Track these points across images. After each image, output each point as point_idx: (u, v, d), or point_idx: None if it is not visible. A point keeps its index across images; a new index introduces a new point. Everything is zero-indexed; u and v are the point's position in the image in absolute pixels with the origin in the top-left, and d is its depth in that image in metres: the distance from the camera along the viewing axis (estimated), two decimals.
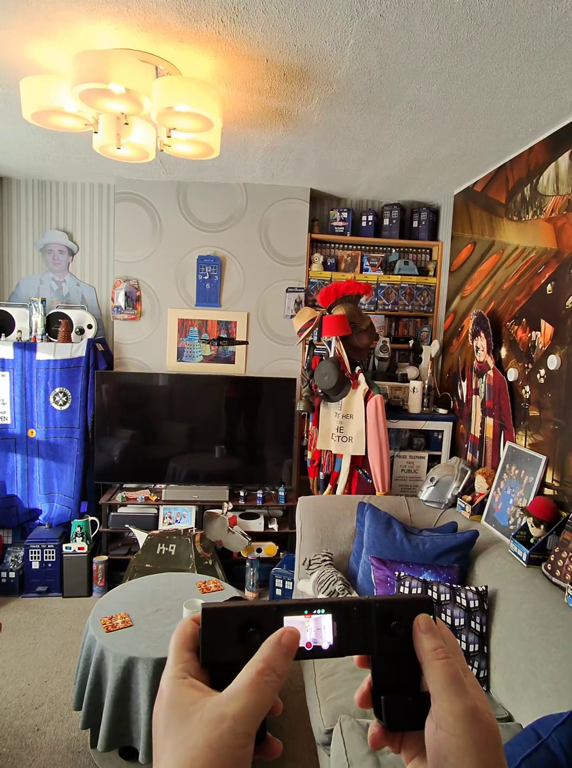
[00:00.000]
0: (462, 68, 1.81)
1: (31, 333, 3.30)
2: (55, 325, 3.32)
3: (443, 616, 1.93)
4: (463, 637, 1.88)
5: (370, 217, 3.55)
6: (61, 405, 3.25)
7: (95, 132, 1.91)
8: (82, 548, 3.15)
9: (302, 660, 0.36)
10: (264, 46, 1.73)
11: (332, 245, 3.60)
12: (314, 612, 0.36)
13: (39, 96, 1.77)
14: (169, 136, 1.93)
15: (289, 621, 0.35)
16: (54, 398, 3.24)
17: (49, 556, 3.14)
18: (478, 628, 1.90)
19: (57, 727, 2.16)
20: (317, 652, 0.35)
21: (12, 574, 3.13)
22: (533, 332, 2.38)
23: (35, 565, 3.14)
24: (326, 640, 0.35)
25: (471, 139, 2.44)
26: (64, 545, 3.14)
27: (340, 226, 3.56)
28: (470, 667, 1.83)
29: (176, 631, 0.36)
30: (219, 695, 0.32)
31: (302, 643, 0.35)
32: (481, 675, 1.85)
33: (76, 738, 2.10)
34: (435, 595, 1.97)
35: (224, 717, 0.31)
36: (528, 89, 1.93)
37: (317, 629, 0.35)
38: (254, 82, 1.98)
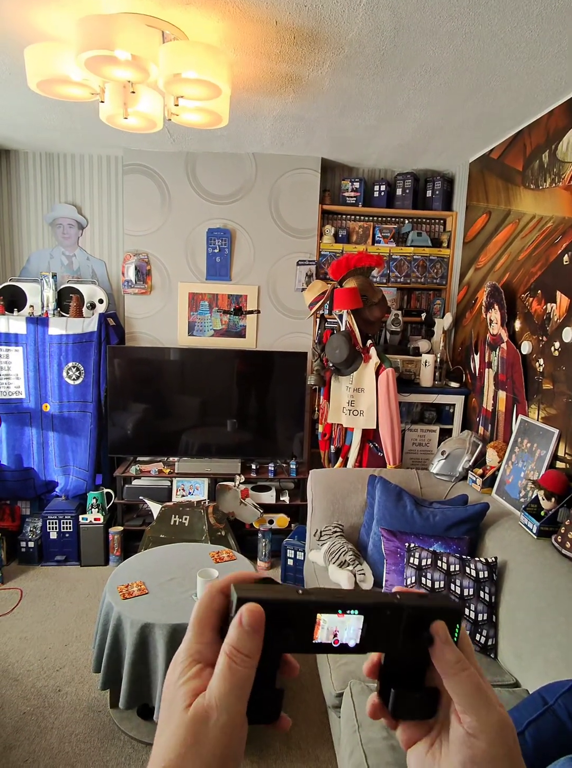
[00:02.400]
0: (480, 27, 1.73)
1: (43, 308, 3.31)
2: (67, 300, 3.33)
3: (453, 585, 1.96)
4: (472, 607, 1.91)
5: (382, 187, 3.47)
6: (74, 379, 3.28)
7: (102, 101, 1.88)
8: (98, 519, 3.22)
9: (327, 654, 0.37)
10: (273, 7, 1.68)
11: (344, 216, 3.54)
12: (348, 612, 0.36)
13: (44, 64, 1.73)
14: (176, 105, 1.89)
15: (323, 618, 0.36)
16: (67, 373, 3.27)
17: (67, 527, 3.22)
18: (487, 597, 1.92)
19: (78, 688, 2.25)
20: (342, 649, 0.36)
21: (31, 544, 3.22)
22: (548, 304, 2.34)
23: (53, 535, 3.22)
24: (354, 639, 0.36)
25: (487, 103, 2.36)
26: (80, 516, 3.22)
27: (352, 197, 3.49)
28: (479, 634, 1.87)
29: (201, 604, 0.36)
30: (204, 692, 0.33)
31: (330, 640, 0.36)
32: (489, 643, 1.89)
33: (96, 698, 2.18)
34: (444, 566, 2.00)
35: (208, 713, 0.32)
36: (549, 49, 1.85)
37: (347, 629, 0.36)
38: (263, 46, 1.92)
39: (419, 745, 0.38)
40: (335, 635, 0.36)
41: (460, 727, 0.35)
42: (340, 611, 0.36)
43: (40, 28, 1.85)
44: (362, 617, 0.36)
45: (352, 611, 0.36)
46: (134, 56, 1.62)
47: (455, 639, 0.37)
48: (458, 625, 0.37)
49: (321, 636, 0.36)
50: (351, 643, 0.36)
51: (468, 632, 1.89)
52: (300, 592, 0.36)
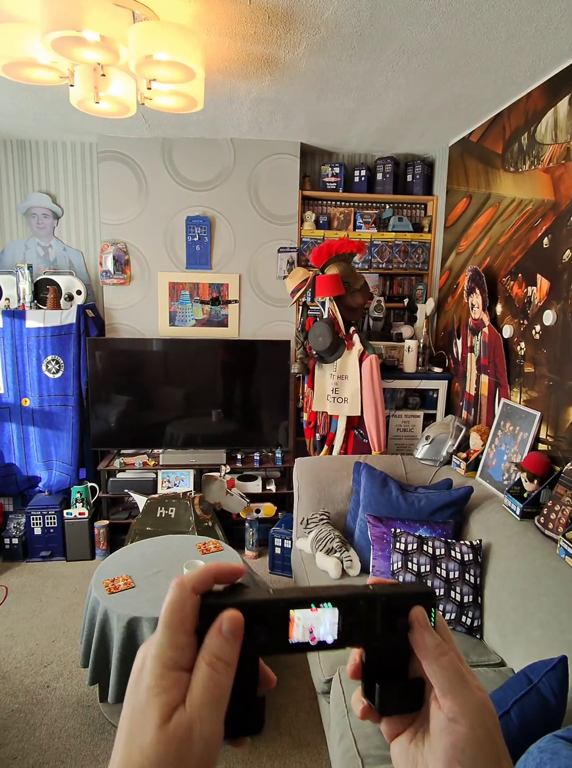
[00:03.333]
0: (457, 5, 1.70)
1: (19, 300, 3.24)
2: (44, 292, 3.25)
3: (438, 569, 1.98)
4: (458, 589, 1.93)
5: (363, 172, 3.44)
6: (54, 373, 3.22)
7: (72, 85, 1.82)
8: (83, 513, 3.19)
9: (306, 652, 0.35)
10: None
11: (325, 202, 3.50)
12: (321, 606, 0.35)
13: (9, 46, 1.66)
14: (149, 88, 1.84)
15: (296, 615, 0.34)
16: (46, 366, 3.21)
17: (51, 522, 3.19)
18: (472, 580, 1.95)
19: (66, 683, 2.23)
20: (321, 646, 0.35)
21: (15, 540, 3.18)
22: (529, 288, 2.35)
23: (37, 530, 3.18)
24: (331, 634, 0.35)
25: (466, 85, 2.34)
26: (64, 511, 3.18)
27: (332, 182, 3.45)
28: (464, 616, 1.89)
29: (172, 606, 0.33)
30: (183, 705, 0.31)
31: (307, 638, 0.35)
32: (475, 624, 1.91)
33: (85, 693, 2.17)
34: (430, 550, 2.02)
35: (192, 728, 0.31)
36: (526, 28, 1.83)
37: (322, 624, 0.35)
38: (237, 27, 1.87)
39: (402, 737, 0.38)
40: (312, 632, 0.35)
41: (440, 713, 0.35)
42: (313, 606, 0.35)
43: (5, 9, 1.77)
44: (336, 610, 0.35)
45: (325, 605, 0.35)
46: (103, 37, 1.57)
47: (432, 623, 0.37)
48: (433, 610, 0.37)
49: (297, 634, 0.34)
50: (329, 639, 0.35)
51: (454, 615, 1.91)
52: (271, 591, 0.35)
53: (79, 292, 3.36)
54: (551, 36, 1.88)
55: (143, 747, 0.30)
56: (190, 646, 0.33)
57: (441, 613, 1.90)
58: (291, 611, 0.34)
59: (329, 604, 0.35)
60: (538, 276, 2.28)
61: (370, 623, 0.36)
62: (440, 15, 1.76)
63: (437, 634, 0.36)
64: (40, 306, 3.24)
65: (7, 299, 3.24)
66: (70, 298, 3.33)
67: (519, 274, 2.43)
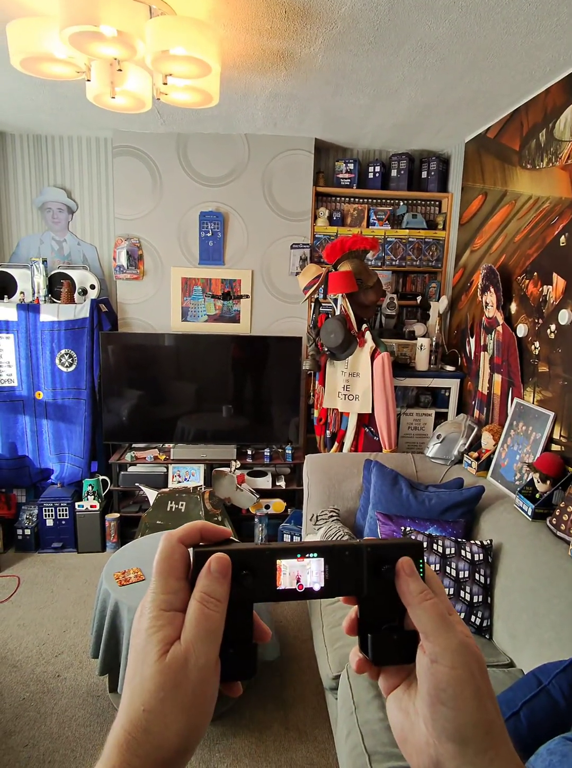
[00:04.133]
0: (477, 0, 1.68)
1: (33, 294, 3.27)
2: (58, 286, 3.28)
3: (448, 568, 1.97)
4: (468, 589, 1.93)
5: (377, 168, 3.42)
6: (67, 366, 3.25)
7: (88, 80, 1.82)
8: (95, 506, 3.22)
9: (294, 600, 0.37)
10: None
11: (338, 198, 3.49)
12: (307, 555, 0.37)
13: (27, 41, 1.67)
14: (165, 83, 1.84)
15: (283, 564, 0.36)
16: (60, 360, 3.24)
17: (63, 514, 3.22)
18: (482, 579, 1.94)
19: (77, 673, 2.26)
20: (308, 594, 0.37)
21: (27, 531, 3.22)
22: (544, 286, 2.32)
23: (50, 522, 3.22)
24: (318, 582, 0.37)
25: (484, 81, 2.31)
26: (76, 503, 3.22)
27: (346, 179, 3.43)
28: (474, 616, 1.88)
29: (162, 555, 0.36)
30: (179, 640, 0.34)
31: (294, 585, 0.36)
32: (484, 624, 1.90)
33: (95, 683, 2.20)
34: (440, 549, 2.01)
35: (187, 657, 0.33)
36: (547, 23, 1.80)
37: (309, 572, 0.37)
38: (253, 22, 1.87)
39: (398, 690, 0.39)
40: (299, 580, 0.36)
41: (425, 657, 0.36)
42: (299, 555, 0.36)
43: (23, 3, 1.78)
44: (322, 559, 0.37)
45: (311, 554, 0.37)
46: (120, 32, 1.57)
47: (421, 575, 0.38)
48: (421, 561, 0.38)
49: (284, 582, 0.36)
50: (316, 587, 0.37)
51: (464, 615, 1.90)
52: (260, 544, 0.37)
53: (92, 287, 3.38)
54: (570, 31, 1.85)
55: (144, 680, 0.33)
56: (182, 590, 0.35)
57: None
58: (278, 560, 0.36)
59: (316, 554, 0.37)
60: (554, 275, 2.25)
61: (356, 572, 0.37)
62: (459, 9, 1.74)
63: (422, 582, 0.37)
64: (55, 300, 3.27)
65: (22, 293, 3.27)
66: (84, 292, 3.35)
67: (535, 273, 2.40)
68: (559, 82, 2.23)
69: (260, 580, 0.36)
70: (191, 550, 0.37)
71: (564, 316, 2.15)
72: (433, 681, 0.35)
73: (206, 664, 0.33)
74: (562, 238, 2.20)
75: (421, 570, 0.38)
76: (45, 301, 3.23)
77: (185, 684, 0.33)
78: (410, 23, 1.84)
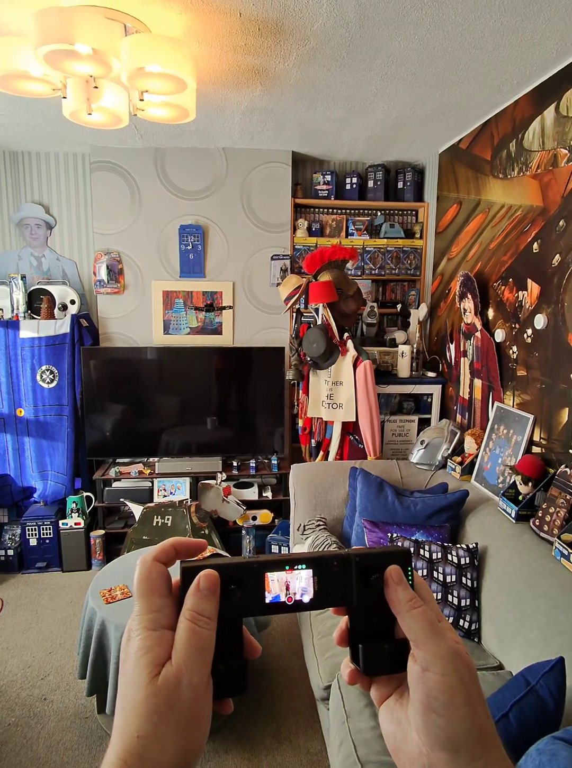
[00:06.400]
0: (444, 17, 1.73)
1: (13, 311, 3.24)
2: (38, 302, 3.26)
3: (435, 573, 1.98)
4: (455, 593, 1.94)
5: (354, 180, 3.47)
6: (48, 383, 3.21)
7: (64, 97, 1.83)
8: (79, 523, 3.18)
9: (284, 613, 0.37)
10: None
11: (317, 210, 3.53)
12: (296, 567, 0.36)
13: (2, 59, 1.68)
14: (141, 99, 1.85)
15: (271, 577, 0.36)
16: (41, 376, 3.21)
17: (47, 533, 3.17)
18: (469, 583, 1.95)
19: (64, 695, 2.22)
20: (298, 606, 0.36)
21: (10, 552, 3.16)
22: (520, 292, 2.37)
23: (33, 541, 3.16)
24: (308, 594, 0.37)
25: (454, 94, 2.37)
26: (60, 521, 3.17)
27: (324, 190, 3.48)
28: (462, 619, 1.89)
29: (140, 576, 0.36)
30: (169, 661, 0.33)
31: (284, 598, 0.36)
32: (473, 627, 1.91)
33: (83, 705, 2.16)
34: (427, 554, 2.02)
35: (179, 678, 0.32)
36: (512, 38, 1.87)
37: (299, 585, 0.36)
38: (227, 39, 1.90)
39: (390, 700, 0.39)
40: (288, 592, 0.36)
41: (415, 665, 0.35)
42: (288, 567, 0.36)
43: None
44: (310, 571, 0.37)
45: (299, 566, 0.36)
46: (95, 50, 1.59)
47: (409, 583, 0.38)
48: (410, 568, 0.38)
49: (273, 595, 0.36)
50: (306, 599, 0.36)
51: (452, 619, 1.91)
52: (248, 557, 0.37)
53: (73, 302, 3.36)
54: (536, 46, 1.92)
55: (136, 704, 0.32)
56: (166, 606, 0.35)
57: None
58: (267, 573, 0.36)
59: (304, 565, 0.37)
60: (529, 280, 2.30)
61: (346, 582, 0.37)
62: (427, 26, 1.79)
63: (410, 590, 0.37)
64: (34, 316, 3.24)
65: (0, 310, 3.24)
66: (64, 307, 3.33)
67: (510, 279, 2.46)
68: (526, 95, 2.31)
69: (248, 595, 0.36)
70: (179, 564, 0.36)
71: (539, 321, 2.20)
72: (424, 689, 0.34)
73: (199, 684, 0.33)
74: (535, 245, 2.26)
75: (410, 578, 0.38)
76: (25, 317, 3.20)
77: (179, 705, 0.32)
78: (381, 39, 1.89)
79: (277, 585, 0.36)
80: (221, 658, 0.35)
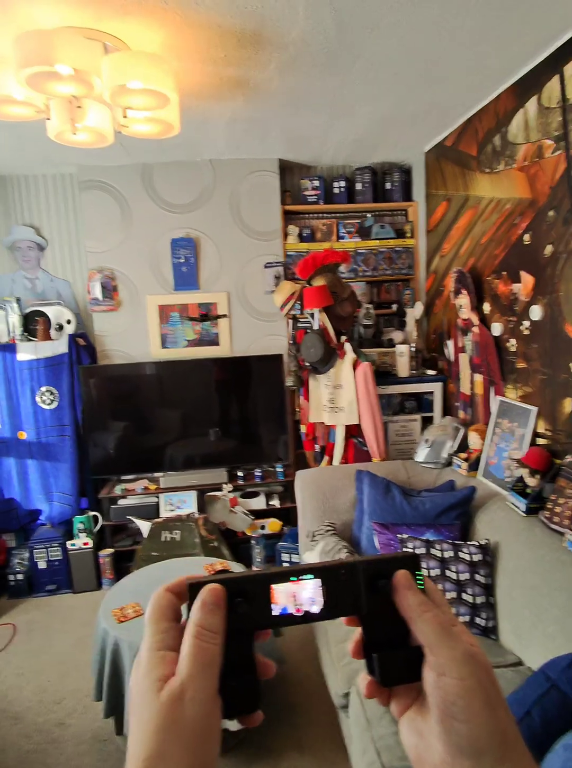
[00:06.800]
0: (421, 17, 1.74)
1: (9, 334, 3.24)
2: (33, 324, 3.26)
3: (447, 571, 1.96)
4: (469, 591, 1.92)
5: (342, 184, 3.48)
6: (48, 404, 3.21)
7: (48, 119, 1.84)
8: (87, 543, 3.16)
9: (294, 625, 0.36)
10: (214, 11, 1.66)
11: (306, 215, 3.54)
12: (302, 577, 0.36)
13: None
14: (125, 116, 1.86)
15: (278, 589, 0.35)
16: (41, 398, 3.20)
17: (55, 555, 3.15)
18: (483, 580, 1.94)
19: (80, 718, 2.19)
20: (308, 617, 0.36)
21: (20, 576, 3.14)
22: (514, 285, 2.37)
23: (42, 564, 3.15)
24: (317, 604, 0.36)
25: (436, 92, 2.38)
26: (68, 542, 3.15)
27: (312, 196, 3.49)
28: (477, 617, 1.87)
29: (151, 605, 0.36)
30: (173, 676, 0.33)
31: (292, 610, 0.35)
32: (489, 625, 1.89)
33: (101, 727, 2.13)
34: (438, 553, 2.01)
35: (183, 692, 0.32)
36: (489, 34, 1.87)
37: (306, 595, 0.36)
38: (207, 52, 1.91)
39: (409, 711, 0.38)
40: (296, 603, 0.36)
41: (431, 671, 0.35)
42: (294, 578, 0.36)
43: None
44: (318, 581, 0.36)
45: (306, 576, 0.36)
46: (76, 70, 1.59)
47: (420, 587, 0.37)
48: (419, 573, 0.37)
49: (281, 607, 0.35)
50: (315, 609, 0.36)
51: (468, 617, 1.90)
52: (253, 570, 0.37)
53: (69, 322, 3.36)
54: (514, 40, 1.93)
55: (143, 724, 0.32)
56: (173, 629, 0.35)
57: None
58: (272, 585, 0.35)
59: (311, 575, 0.36)
60: (522, 272, 2.30)
61: (354, 590, 0.36)
62: (405, 26, 1.80)
63: (420, 594, 0.37)
64: (31, 338, 3.24)
65: None
66: (60, 328, 3.33)
67: (504, 272, 2.46)
68: (508, 89, 2.31)
69: (255, 608, 0.35)
70: (186, 582, 0.36)
71: (535, 312, 2.19)
72: (441, 695, 0.34)
73: (204, 698, 0.32)
74: (526, 237, 2.26)
75: (420, 582, 0.37)
76: (21, 339, 3.20)
77: (183, 719, 0.32)
78: (360, 43, 1.90)
79: (284, 596, 0.35)
80: (231, 674, 0.34)
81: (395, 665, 0.37)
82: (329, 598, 0.36)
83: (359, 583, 0.37)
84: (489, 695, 0.34)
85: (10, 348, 3.15)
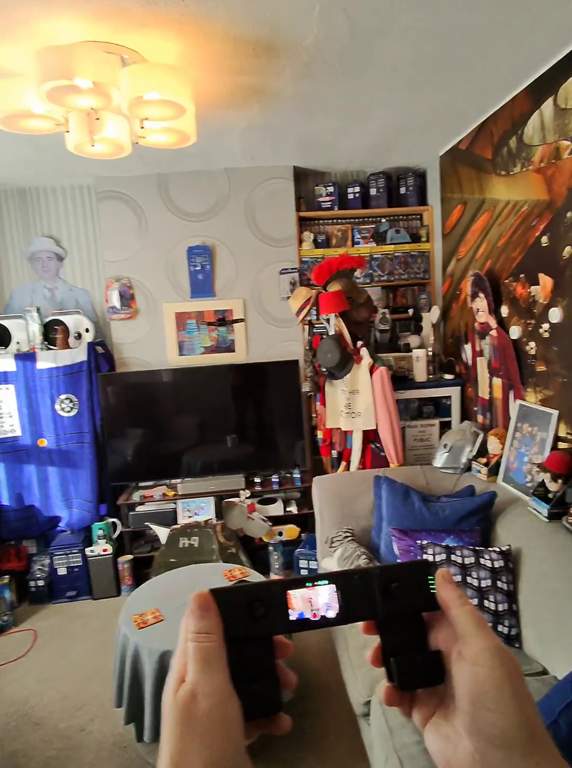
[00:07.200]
0: (433, 20, 1.74)
1: (29, 343, 3.29)
2: (53, 333, 3.31)
3: (469, 578, 1.93)
4: (491, 598, 1.89)
5: (356, 189, 3.49)
6: (68, 411, 3.25)
7: (67, 131, 1.88)
8: (106, 550, 3.18)
9: (312, 630, 0.37)
10: (228, 21, 1.68)
11: (321, 221, 3.55)
12: (317, 583, 0.37)
13: (5, 100, 1.73)
14: (142, 127, 1.89)
15: (294, 594, 0.37)
16: (60, 405, 3.24)
17: (75, 561, 3.18)
18: (505, 587, 1.90)
19: (102, 724, 2.20)
20: (324, 622, 0.37)
21: (40, 582, 3.17)
22: (532, 287, 2.34)
23: (62, 571, 3.18)
24: (333, 609, 0.37)
25: (450, 96, 2.38)
26: (87, 549, 3.17)
27: (327, 202, 3.50)
28: (500, 625, 1.84)
29: (181, 633, 0.38)
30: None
31: (308, 615, 0.37)
32: (512, 633, 1.86)
33: (121, 734, 2.14)
34: (459, 559, 1.98)
35: (194, 690, 0.34)
36: (502, 36, 1.87)
37: (322, 600, 0.37)
38: (223, 61, 1.93)
39: (435, 718, 0.38)
40: (312, 609, 0.37)
41: (463, 662, 0.36)
42: (310, 584, 0.37)
43: None
44: (333, 586, 0.37)
45: (321, 582, 0.37)
46: (95, 83, 1.63)
47: (432, 591, 0.38)
48: (431, 579, 0.39)
49: (297, 612, 0.37)
50: (331, 614, 0.37)
51: (490, 625, 1.86)
52: (270, 579, 0.38)
53: (87, 330, 3.41)
54: (526, 42, 1.92)
55: (166, 723, 0.34)
56: None
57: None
58: (289, 591, 0.37)
59: (325, 581, 0.37)
60: (540, 275, 2.27)
61: (369, 596, 0.38)
62: (417, 30, 1.80)
63: (459, 589, 0.38)
64: (51, 347, 3.30)
65: (17, 343, 3.30)
66: (79, 336, 3.38)
67: (521, 275, 2.43)
68: (523, 91, 2.30)
69: (273, 614, 0.36)
70: (208, 591, 0.38)
71: (554, 315, 2.17)
72: (474, 685, 0.35)
73: (212, 691, 0.34)
74: (544, 239, 2.23)
75: (432, 587, 0.38)
76: (41, 348, 3.26)
77: (197, 714, 0.33)
78: (373, 48, 1.90)
79: (300, 602, 0.37)
80: (252, 677, 0.36)
81: (413, 669, 0.37)
82: (344, 603, 0.37)
83: (373, 588, 0.38)
84: (517, 688, 0.35)
85: (30, 357, 3.20)
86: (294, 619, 0.37)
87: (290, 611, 0.37)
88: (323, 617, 0.37)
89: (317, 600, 0.37)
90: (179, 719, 0.33)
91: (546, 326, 2.26)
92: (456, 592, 0.38)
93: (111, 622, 2.92)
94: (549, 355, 2.26)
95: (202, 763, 0.32)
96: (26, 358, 3.20)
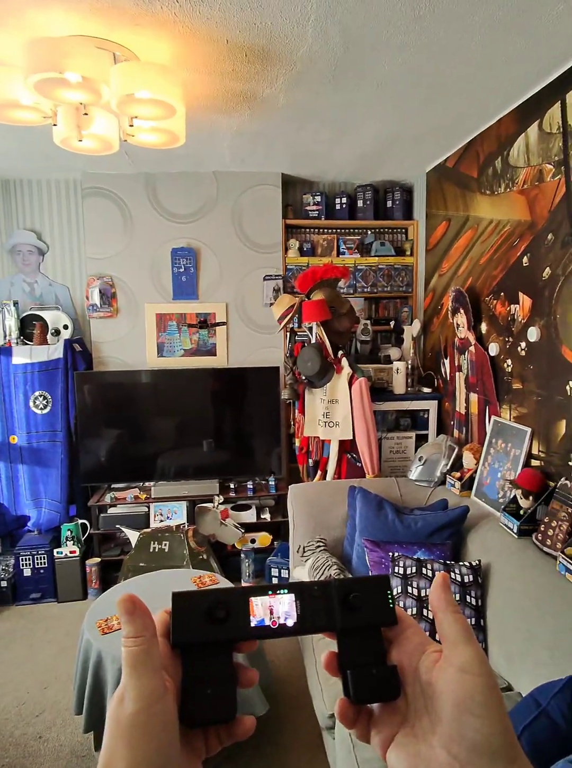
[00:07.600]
0: (426, 39, 1.77)
1: (5, 337, 3.22)
2: (30, 328, 3.24)
3: None
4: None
5: (344, 200, 3.51)
6: (41, 409, 3.18)
7: (54, 124, 1.85)
8: (74, 552, 3.11)
9: (270, 638, 0.38)
10: (223, 26, 1.68)
11: (307, 230, 3.56)
12: (278, 592, 0.38)
13: None
14: (131, 125, 1.87)
15: (255, 601, 0.37)
16: (34, 402, 3.17)
17: (41, 562, 3.10)
18: (474, 602, 1.91)
19: (59, 732, 2.14)
20: (282, 631, 0.37)
21: (3, 583, 3.08)
22: (512, 305, 2.38)
23: (27, 572, 3.09)
24: (291, 618, 0.38)
25: (440, 113, 2.41)
26: (55, 550, 3.10)
27: (314, 211, 3.52)
28: None
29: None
30: None
31: (268, 622, 0.37)
32: None
33: (80, 742, 2.08)
34: (428, 572, 1.99)
35: (122, 694, 0.34)
36: (493, 58, 1.91)
37: (282, 609, 0.38)
38: (215, 65, 1.93)
39: (398, 737, 0.37)
40: (272, 617, 0.37)
41: (449, 668, 0.35)
42: (271, 592, 0.38)
43: None
44: (292, 595, 0.38)
45: (282, 591, 0.38)
46: (85, 78, 1.60)
47: (390, 605, 0.39)
48: (390, 593, 0.39)
49: (258, 619, 0.37)
50: (290, 623, 0.37)
51: None
52: (234, 586, 0.39)
53: (66, 327, 3.35)
54: (516, 65, 1.96)
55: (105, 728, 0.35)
56: (164, 643, 0.37)
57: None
58: (251, 598, 0.38)
59: (285, 590, 0.38)
60: (520, 294, 2.31)
61: (328, 607, 0.38)
62: (411, 48, 1.83)
63: (452, 596, 0.39)
64: (27, 342, 3.23)
65: None
66: (57, 332, 3.32)
67: (501, 293, 2.47)
68: (510, 113, 2.35)
69: (235, 619, 0.37)
70: (172, 593, 0.38)
71: (532, 334, 2.20)
72: (462, 691, 0.34)
73: (139, 695, 0.33)
74: (525, 259, 2.28)
75: (391, 602, 0.39)
76: (17, 343, 3.18)
77: (123, 718, 0.33)
78: (366, 62, 1.92)
79: (261, 609, 0.37)
80: (208, 682, 0.36)
81: (369, 682, 0.37)
82: (303, 613, 0.38)
83: (333, 600, 0.38)
84: (498, 696, 0.35)
85: (5, 351, 3.13)
86: (254, 625, 0.37)
87: (251, 618, 0.37)
88: (281, 625, 0.37)
89: (277, 608, 0.37)
90: (109, 722, 0.34)
91: (523, 345, 2.29)
92: (450, 598, 0.38)
93: (76, 626, 2.85)
94: (526, 374, 2.29)
95: (125, 766, 0.32)
96: (1, 352, 3.12)
